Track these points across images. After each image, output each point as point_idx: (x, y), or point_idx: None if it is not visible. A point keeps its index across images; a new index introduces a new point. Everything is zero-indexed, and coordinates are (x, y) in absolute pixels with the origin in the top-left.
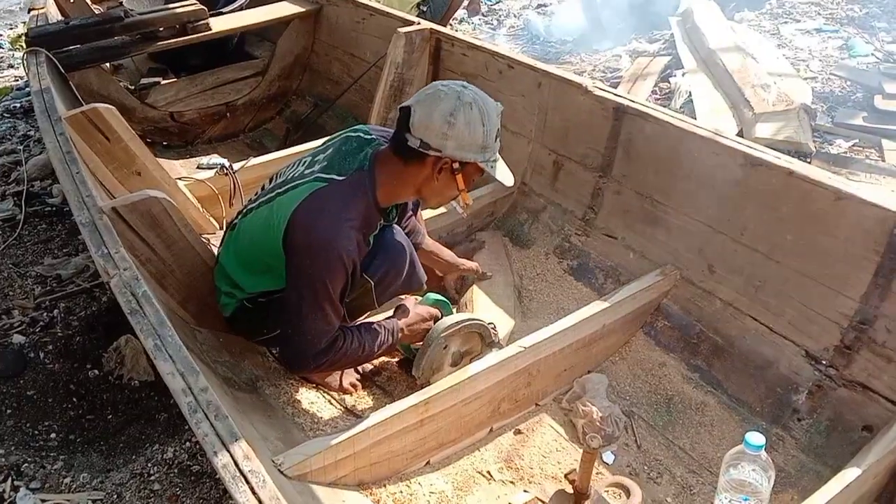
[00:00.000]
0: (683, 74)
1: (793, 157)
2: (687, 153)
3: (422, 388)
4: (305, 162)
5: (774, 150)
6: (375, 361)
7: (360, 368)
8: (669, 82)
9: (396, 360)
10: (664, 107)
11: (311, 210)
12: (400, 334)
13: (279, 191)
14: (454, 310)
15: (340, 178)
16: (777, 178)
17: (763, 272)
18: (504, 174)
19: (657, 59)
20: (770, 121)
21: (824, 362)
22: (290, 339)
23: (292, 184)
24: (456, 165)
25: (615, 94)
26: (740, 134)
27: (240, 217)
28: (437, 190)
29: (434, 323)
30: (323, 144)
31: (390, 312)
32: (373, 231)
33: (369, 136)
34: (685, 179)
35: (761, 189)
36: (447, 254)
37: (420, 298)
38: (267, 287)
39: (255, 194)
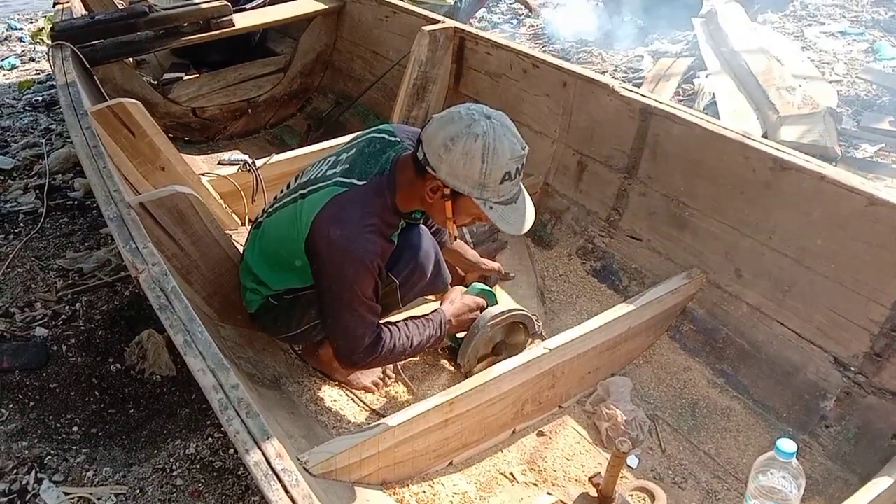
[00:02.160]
0: (707, 76)
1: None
2: (715, 155)
3: (466, 376)
4: (329, 161)
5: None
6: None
7: (384, 367)
8: (693, 84)
9: (439, 347)
10: (689, 108)
11: (331, 218)
12: (448, 326)
13: (302, 191)
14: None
15: (360, 182)
16: (808, 182)
17: (791, 277)
18: (510, 220)
19: (680, 60)
20: (795, 124)
21: (853, 369)
22: (335, 343)
23: (315, 185)
24: (447, 192)
25: (642, 95)
26: (765, 136)
27: (265, 216)
28: (433, 210)
29: (480, 313)
30: (348, 143)
31: (415, 311)
32: (394, 231)
33: (393, 139)
34: (713, 182)
35: (791, 193)
36: (471, 253)
37: (466, 289)
38: (293, 284)
39: (281, 192)
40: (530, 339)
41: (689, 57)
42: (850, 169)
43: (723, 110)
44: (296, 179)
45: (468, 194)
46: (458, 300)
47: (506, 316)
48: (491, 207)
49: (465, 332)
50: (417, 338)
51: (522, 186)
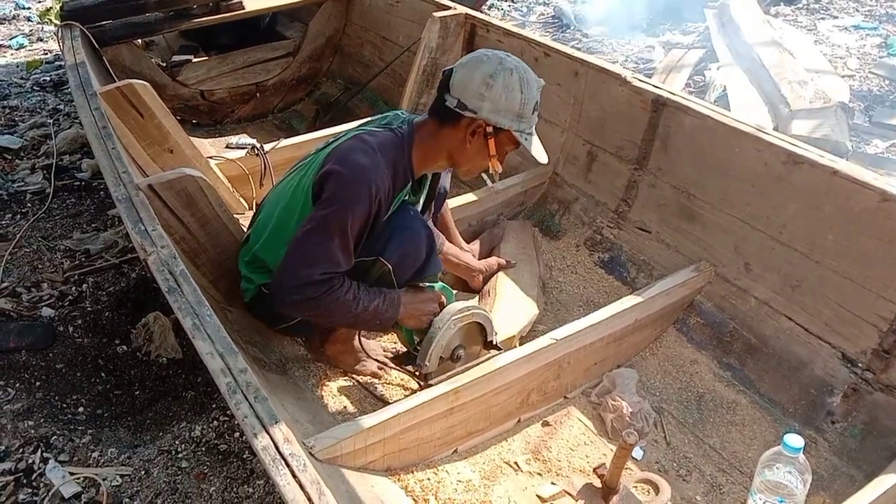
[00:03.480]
0: (718, 68)
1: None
2: (727, 148)
3: (425, 380)
4: (336, 137)
5: None
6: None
7: (383, 350)
8: (704, 75)
9: (393, 354)
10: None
11: (350, 146)
12: (402, 309)
13: (312, 156)
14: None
15: (378, 129)
16: (820, 177)
17: (801, 272)
18: (538, 150)
19: (691, 51)
20: (806, 118)
21: (861, 365)
22: (287, 262)
23: (330, 143)
24: (489, 129)
25: (654, 86)
26: (775, 130)
27: (268, 194)
28: (469, 155)
29: (438, 307)
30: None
31: None
32: (401, 189)
33: (404, 114)
34: (724, 174)
35: (803, 187)
36: (467, 257)
37: (427, 284)
38: None
39: (289, 171)
40: (484, 350)
41: (700, 48)
42: (861, 164)
43: (733, 103)
44: (295, 166)
45: (508, 128)
46: (412, 289)
47: (471, 311)
48: (526, 139)
49: (422, 336)
50: (365, 303)
51: None
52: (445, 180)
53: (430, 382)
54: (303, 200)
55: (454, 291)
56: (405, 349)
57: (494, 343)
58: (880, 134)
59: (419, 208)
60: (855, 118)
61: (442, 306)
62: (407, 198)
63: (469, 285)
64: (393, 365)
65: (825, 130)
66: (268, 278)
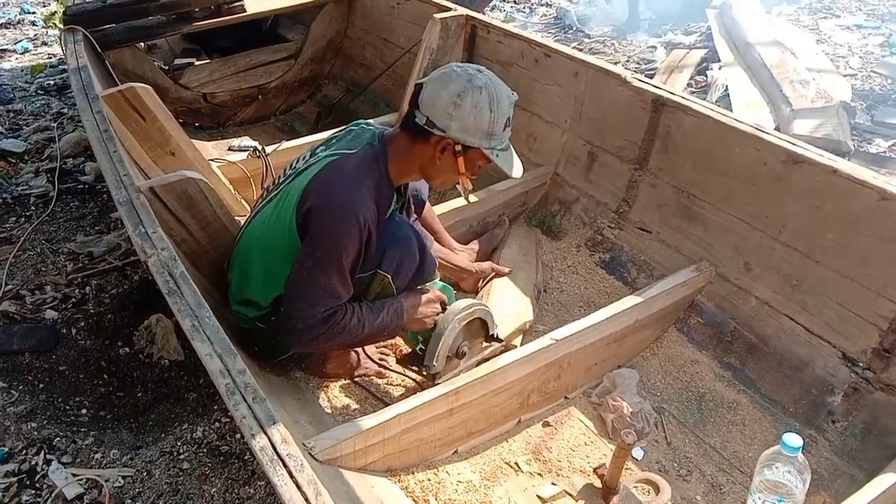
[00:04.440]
0: (720, 68)
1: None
2: (727, 147)
3: (433, 379)
4: (306, 157)
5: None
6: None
7: (386, 352)
8: (706, 75)
9: (399, 355)
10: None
11: (327, 178)
12: (406, 315)
13: (285, 183)
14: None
15: (351, 152)
16: (820, 176)
17: (801, 271)
18: (511, 166)
19: (693, 51)
20: (808, 117)
21: (861, 364)
22: (290, 306)
23: (299, 171)
24: (458, 148)
25: (654, 86)
26: (777, 130)
27: (242, 231)
28: (440, 170)
29: (441, 308)
30: (324, 140)
31: None
32: (387, 207)
33: (369, 126)
34: (724, 174)
35: (803, 186)
36: (458, 259)
37: (428, 285)
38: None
39: (252, 207)
40: (486, 344)
41: (702, 48)
42: (863, 164)
43: (735, 102)
44: (268, 190)
45: (478, 146)
46: (414, 293)
47: (473, 309)
48: (497, 156)
49: (428, 336)
50: (370, 322)
51: None
52: (424, 188)
53: (437, 382)
54: (287, 237)
55: (454, 290)
56: (409, 350)
57: (496, 336)
58: (882, 133)
59: (398, 210)
60: (857, 117)
61: (444, 305)
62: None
63: (460, 286)
64: (398, 368)
65: (827, 130)
66: (258, 311)
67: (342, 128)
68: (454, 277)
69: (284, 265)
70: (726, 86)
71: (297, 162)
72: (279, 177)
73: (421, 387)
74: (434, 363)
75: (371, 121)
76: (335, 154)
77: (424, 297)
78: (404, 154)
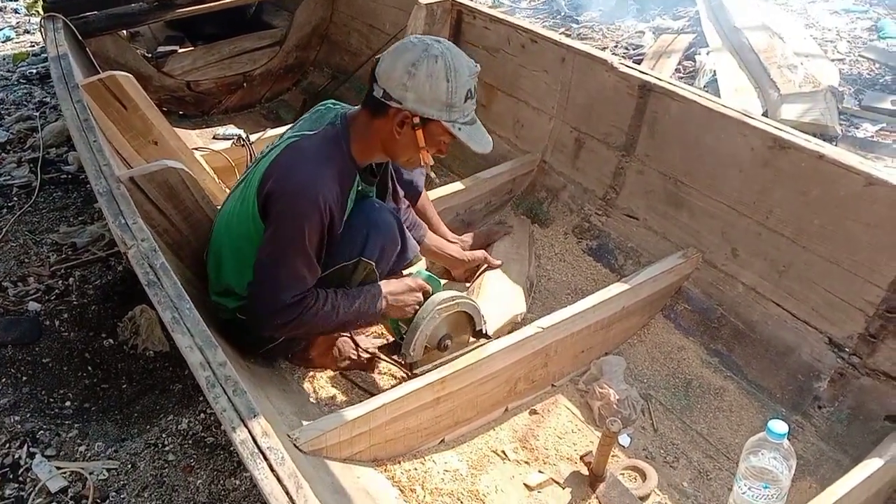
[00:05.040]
0: (708, 53)
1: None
2: (714, 133)
3: (411, 369)
4: (273, 143)
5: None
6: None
7: (368, 342)
8: (694, 60)
9: (380, 343)
10: (689, 85)
11: (286, 161)
12: (384, 302)
13: (249, 171)
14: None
15: (311, 133)
16: (807, 162)
17: (788, 257)
18: (478, 140)
19: (681, 36)
20: (796, 102)
21: (847, 350)
22: (257, 293)
23: (261, 157)
24: (416, 120)
25: (641, 72)
26: (765, 115)
27: (214, 223)
28: (402, 147)
29: (424, 298)
30: (291, 125)
31: None
32: (351, 184)
33: (336, 105)
34: (711, 160)
35: (790, 172)
36: (451, 248)
37: (412, 272)
38: None
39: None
40: (473, 339)
41: (690, 33)
42: (851, 149)
43: (723, 88)
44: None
45: (437, 118)
46: (395, 280)
47: (456, 301)
48: (459, 129)
49: (408, 325)
50: (346, 308)
51: None
52: (419, 179)
53: (415, 372)
54: (252, 223)
55: (443, 281)
56: (391, 339)
57: (484, 332)
58: (870, 118)
59: (375, 194)
60: (845, 102)
61: (426, 294)
62: (361, 188)
63: (453, 276)
64: (381, 355)
65: (815, 115)
66: (237, 302)
67: (311, 111)
68: (446, 265)
69: (253, 251)
70: (714, 71)
71: (265, 150)
72: (256, 158)
73: (407, 377)
74: (411, 352)
75: (339, 102)
76: (296, 136)
77: (404, 285)
78: (365, 132)
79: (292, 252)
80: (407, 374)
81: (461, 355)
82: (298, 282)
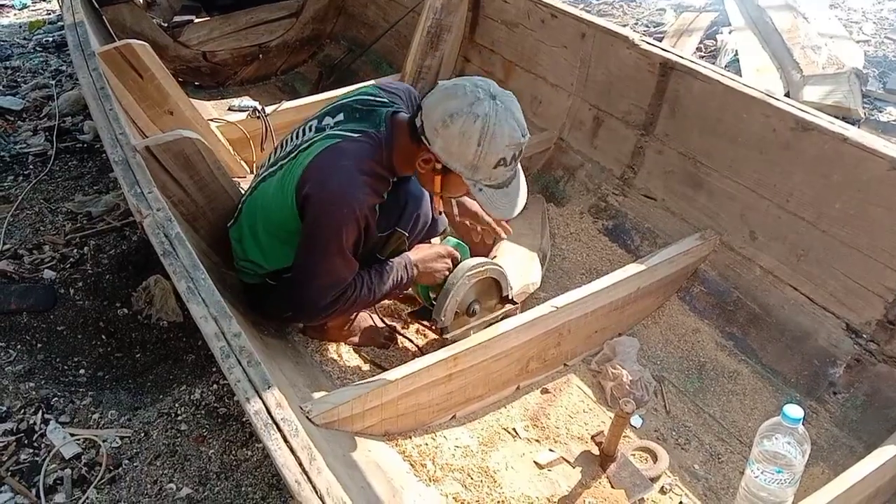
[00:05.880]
0: (730, 32)
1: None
2: (735, 114)
3: (442, 333)
4: (312, 126)
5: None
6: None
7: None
8: (715, 39)
9: (409, 310)
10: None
11: (326, 164)
12: (415, 270)
13: (290, 157)
14: None
15: (355, 135)
16: (829, 144)
17: (807, 241)
18: (499, 205)
19: (703, 14)
20: (819, 84)
21: (865, 336)
22: (299, 292)
23: (303, 146)
24: (438, 166)
25: (662, 49)
26: (787, 96)
27: (247, 195)
28: (423, 180)
29: (453, 265)
30: (331, 106)
31: None
32: (386, 188)
33: (381, 99)
34: (732, 141)
35: (812, 154)
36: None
37: (438, 240)
38: (289, 262)
39: (262, 166)
40: (500, 304)
41: (712, 12)
42: (874, 132)
43: (745, 68)
44: (277, 151)
45: (459, 173)
46: (425, 247)
47: (485, 267)
48: (480, 190)
49: (438, 291)
50: (381, 287)
51: (519, 169)
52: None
53: (446, 336)
54: (289, 214)
55: (468, 247)
56: (421, 304)
57: (510, 298)
58: (894, 101)
59: None
60: (869, 85)
61: (455, 261)
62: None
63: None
64: (411, 320)
65: (838, 97)
66: (265, 270)
67: (353, 93)
68: (466, 238)
69: (288, 238)
70: (736, 50)
71: (306, 130)
72: (288, 138)
73: (421, 352)
74: (442, 317)
75: (383, 86)
76: (338, 136)
77: (434, 252)
78: (405, 150)
79: (329, 256)
80: (420, 348)
81: (491, 322)
82: (337, 282)
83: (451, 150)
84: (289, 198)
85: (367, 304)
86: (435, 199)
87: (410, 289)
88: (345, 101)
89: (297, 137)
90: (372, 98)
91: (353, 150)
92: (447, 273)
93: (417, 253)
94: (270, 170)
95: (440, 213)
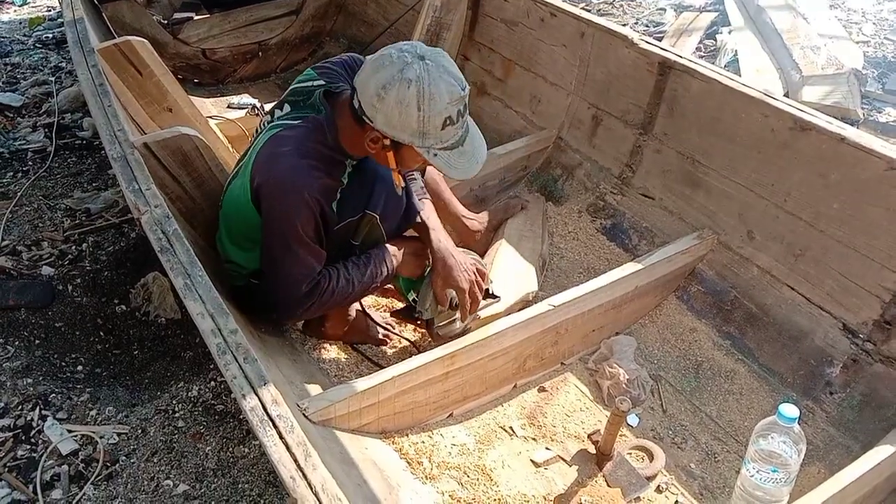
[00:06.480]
0: (730, 32)
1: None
2: (734, 113)
3: (429, 327)
4: (267, 121)
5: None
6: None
7: (384, 319)
8: (715, 39)
9: (395, 310)
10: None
11: (268, 154)
12: (394, 260)
13: (246, 155)
14: None
15: (295, 122)
16: (827, 144)
17: (805, 241)
18: (458, 165)
19: (703, 14)
20: (818, 84)
21: (862, 336)
22: (273, 289)
23: (256, 143)
24: (387, 142)
25: (661, 48)
26: (786, 96)
27: (223, 194)
28: (378, 158)
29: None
30: (280, 100)
31: None
32: (342, 169)
33: (317, 82)
34: (730, 140)
35: (810, 154)
36: (461, 209)
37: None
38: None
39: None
40: (482, 300)
41: (712, 11)
42: (873, 133)
43: (745, 68)
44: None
45: (409, 143)
46: (400, 239)
47: None
48: (435, 155)
49: (418, 287)
50: (359, 278)
51: (471, 123)
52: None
53: (435, 330)
54: (248, 211)
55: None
56: (405, 304)
57: (491, 292)
58: (893, 102)
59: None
60: (868, 85)
61: None
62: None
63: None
64: (396, 318)
65: (837, 97)
66: (247, 269)
67: (296, 82)
68: (458, 227)
69: (253, 235)
70: (735, 50)
71: (262, 127)
72: (254, 135)
73: (418, 350)
74: (425, 309)
75: (320, 66)
76: (278, 125)
77: (414, 243)
78: (349, 129)
79: (291, 247)
80: (416, 346)
81: (473, 318)
82: (306, 271)
83: (393, 122)
84: (247, 195)
85: (350, 297)
86: (394, 176)
87: (393, 286)
88: (290, 89)
89: (257, 133)
90: (309, 84)
91: (293, 136)
92: (427, 263)
93: (396, 244)
94: (235, 170)
95: (401, 189)
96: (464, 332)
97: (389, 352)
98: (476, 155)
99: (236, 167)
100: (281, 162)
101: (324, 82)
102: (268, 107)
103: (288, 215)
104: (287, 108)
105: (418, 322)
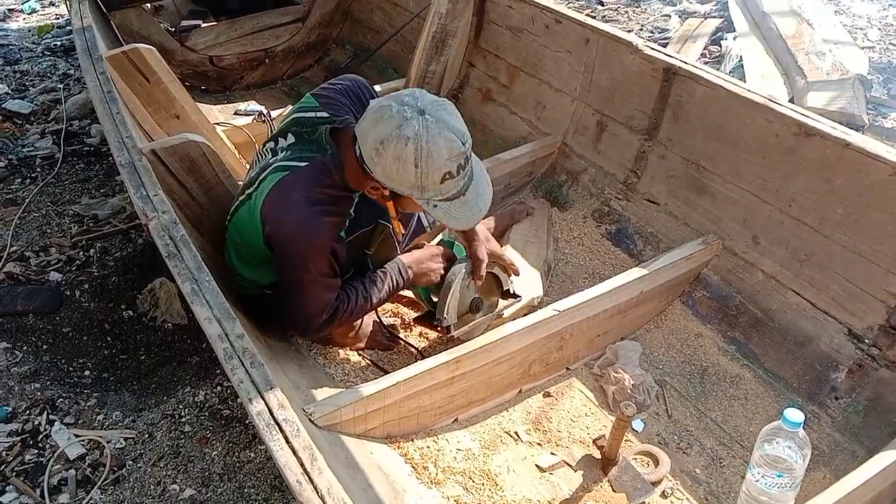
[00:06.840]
0: (735, 38)
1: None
2: (738, 119)
3: (448, 332)
4: (269, 149)
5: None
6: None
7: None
8: (720, 45)
9: (415, 316)
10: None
11: (278, 200)
12: (409, 272)
13: (254, 185)
14: None
15: (302, 164)
16: (832, 149)
17: (809, 246)
18: (459, 214)
19: (708, 20)
20: (823, 90)
21: (867, 341)
22: (292, 321)
23: (262, 175)
24: (387, 192)
25: (666, 55)
26: (791, 102)
27: (230, 215)
28: (381, 203)
29: (448, 264)
30: (284, 123)
31: None
32: (349, 205)
33: (321, 115)
34: (735, 146)
35: (814, 160)
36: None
37: (433, 242)
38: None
39: (240, 188)
40: (502, 299)
41: (717, 18)
42: (878, 138)
43: (749, 73)
44: (250, 170)
45: (408, 195)
46: (418, 250)
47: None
48: (435, 206)
49: (439, 292)
50: (376, 294)
51: (476, 165)
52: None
53: (454, 335)
54: (260, 244)
55: (461, 246)
56: (425, 309)
57: (512, 292)
58: None
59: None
60: (873, 91)
61: (448, 259)
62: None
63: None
64: (417, 324)
65: (842, 103)
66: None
67: (296, 108)
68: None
69: (261, 260)
70: (740, 56)
71: (266, 153)
72: (257, 157)
73: (422, 355)
74: (445, 315)
75: (320, 94)
76: (285, 168)
77: (427, 252)
78: (354, 168)
79: (310, 284)
80: (421, 352)
81: (498, 316)
82: (323, 305)
83: (392, 176)
84: (258, 226)
85: (367, 312)
86: (394, 223)
87: (413, 294)
88: (291, 118)
89: (261, 158)
90: (312, 115)
91: (302, 182)
92: (443, 272)
93: (410, 256)
94: (246, 193)
95: (402, 236)
96: (483, 333)
97: (395, 357)
98: (479, 202)
99: (242, 191)
100: (291, 211)
101: (327, 115)
102: (275, 113)
103: (300, 260)
104: (291, 138)
105: (438, 329)
